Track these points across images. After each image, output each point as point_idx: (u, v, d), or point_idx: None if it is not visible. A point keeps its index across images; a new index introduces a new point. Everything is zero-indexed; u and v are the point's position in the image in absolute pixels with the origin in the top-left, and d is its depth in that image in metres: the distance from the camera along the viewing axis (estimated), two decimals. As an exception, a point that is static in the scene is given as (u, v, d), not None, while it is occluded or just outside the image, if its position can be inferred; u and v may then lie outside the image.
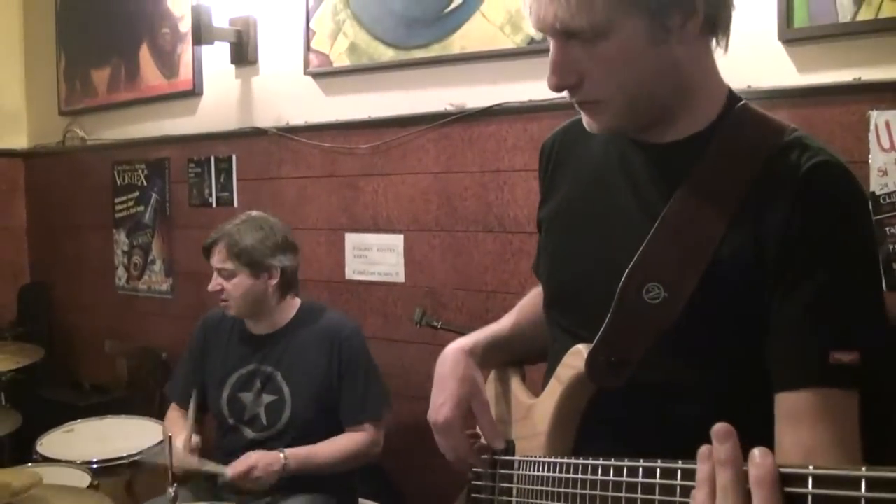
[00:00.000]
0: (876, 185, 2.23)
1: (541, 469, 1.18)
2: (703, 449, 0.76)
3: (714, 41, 1.12)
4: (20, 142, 5.00)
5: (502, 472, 1.33)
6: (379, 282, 3.33)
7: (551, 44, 1.09)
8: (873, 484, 0.63)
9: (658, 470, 0.87)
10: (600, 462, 1.01)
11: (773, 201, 1.03)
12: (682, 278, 1.07)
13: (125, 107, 4.36)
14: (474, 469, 1.37)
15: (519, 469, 1.26)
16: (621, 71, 1.06)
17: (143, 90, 4.24)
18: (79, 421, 3.31)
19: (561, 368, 1.19)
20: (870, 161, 2.24)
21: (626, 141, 1.19)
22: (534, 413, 1.27)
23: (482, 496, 1.38)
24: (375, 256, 3.33)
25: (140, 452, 2.96)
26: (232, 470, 2.45)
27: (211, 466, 2.52)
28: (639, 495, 0.90)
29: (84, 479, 2.70)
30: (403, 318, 3.18)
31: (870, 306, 1.03)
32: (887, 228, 2.22)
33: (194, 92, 3.97)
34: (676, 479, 0.83)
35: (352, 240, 3.40)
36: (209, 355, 2.80)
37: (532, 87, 2.78)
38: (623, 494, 0.93)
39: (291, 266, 2.72)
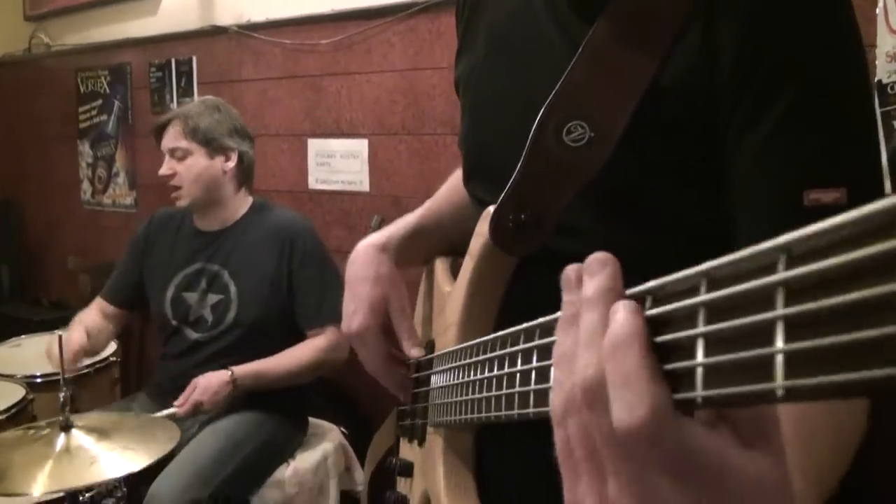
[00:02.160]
0: (883, 72, 1.95)
1: (449, 362, 0.94)
2: (569, 270, 0.51)
3: None
4: (-14, 50, 4.76)
5: (419, 375, 1.11)
6: (342, 191, 3.11)
7: None
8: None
9: (537, 330, 0.62)
10: (486, 338, 0.78)
11: (726, 5, 0.77)
12: (612, 113, 0.81)
13: (88, 9, 4.12)
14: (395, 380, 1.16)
15: (434, 369, 1.03)
16: None
17: (103, -11, 3.98)
18: (24, 336, 3.14)
19: (472, 240, 0.95)
20: (877, 45, 1.95)
21: None
22: (449, 302, 1.04)
23: (406, 408, 1.16)
24: (339, 164, 3.09)
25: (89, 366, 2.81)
26: (179, 409, 2.27)
27: (156, 415, 2.32)
28: (527, 365, 0.65)
29: (18, 393, 2.53)
30: (368, 230, 2.95)
31: (857, 129, 0.77)
32: (895, 122, 1.95)
33: (154, -11, 3.72)
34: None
35: (315, 146, 3.17)
36: (152, 254, 2.62)
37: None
38: (512, 370, 0.69)
39: (249, 154, 2.56)
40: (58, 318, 3.67)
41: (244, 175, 2.55)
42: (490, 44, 1.02)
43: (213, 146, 2.46)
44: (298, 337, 2.47)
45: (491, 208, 0.89)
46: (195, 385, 2.29)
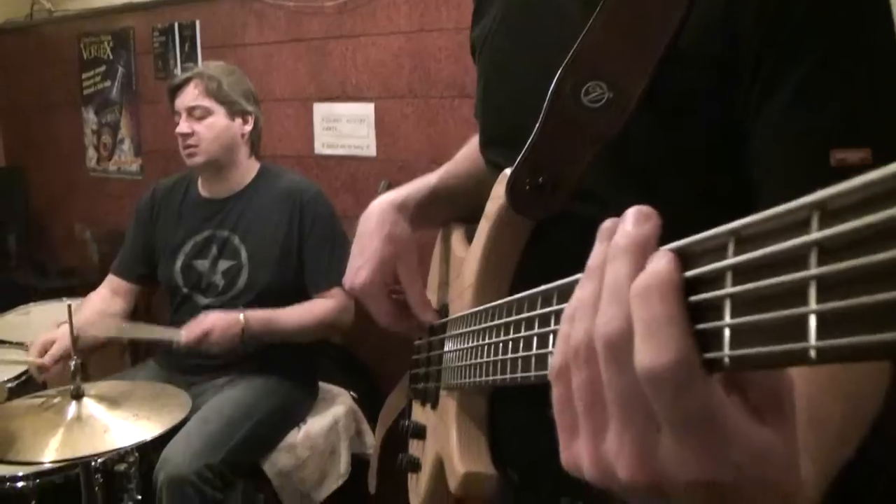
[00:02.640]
0: None
1: (464, 325, 0.93)
2: (607, 223, 0.49)
3: None
4: (-12, 17, 4.72)
5: (431, 340, 1.10)
6: (349, 156, 3.08)
7: None
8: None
9: (555, 294, 0.61)
10: (500, 302, 0.77)
11: None
12: (632, 73, 0.79)
13: (89, -29, 4.07)
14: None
15: (449, 332, 1.02)
16: None
17: (105, -46, 3.94)
18: (32, 304, 3.15)
19: (489, 203, 0.93)
20: None
21: None
22: (464, 266, 1.03)
23: (419, 371, 1.16)
24: (345, 128, 3.07)
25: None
26: (187, 333, 2.25)
27: (161, 332, 2.34)
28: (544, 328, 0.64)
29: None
30: (375, 195, 2.93)
31: (883, 86, 0.74)
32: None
33: (156, -47, 3.67)
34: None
35: (320, 110, 3.14)
36: (160, 224, 2.59)
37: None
38: (530, 332, 0.68)
39: (260, 120, 2.55)
40: (65, 286, 3.68)
41: (256, 140, 2.54)
42: (505, 7, 1.00)
43: (234, 108, 2.45)
44: (308, 301, 2.46)
45: (507, 171, 0.88)
46: (206, 315, 2.29)
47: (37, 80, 4.54)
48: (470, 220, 1.18)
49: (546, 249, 0.89)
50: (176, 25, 3.62)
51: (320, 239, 2.45)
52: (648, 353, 0.41)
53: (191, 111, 2.42)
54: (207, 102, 2.42)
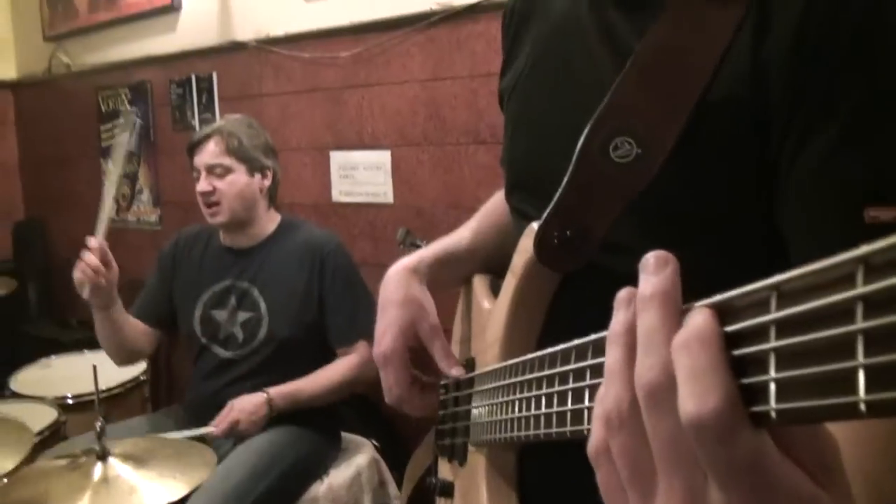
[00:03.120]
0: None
1: (493, 380, 0.93)
2: (623, 292, 0.49)
3: None
4: (8, 72, 4.82)
5: (458, 395, 1.10)
6: (367, 203, 3.10)
7: None
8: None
9: (590, 348, 0.61)
10: (530, 356, 0.77)
11: (775, 17, 0.75)
12: (660, 129, 0.79)
13: (106, 28, 4.15)
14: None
15: (476, 387, 1.01)
16: None
17: (122, 8, 4.01)
18: (54, 357, 3.17)
19: (515, 257, 0.94)
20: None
21: None
22: (490, 320, 1.03)
23: (445, 427, 1.15)
24: (362, 176, 3.09)
25: (120, 385, 2.84)
26: (216, 429, 2.27)
27: (192, 433, 2.33)
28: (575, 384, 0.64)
29: (51, 415, 2.55)
30: (394, 241, 2.95)
31: None
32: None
33: (173, 6, 3.73)
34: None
35: (337, 158, 3.17)
36: (180, 272, 2.61)
37: (522, -24, 2.49)
38: (563, 388, 0.68)
39: (278, 172, 2.57)
40: (86, 338, 3.68)
41: (274, 192, 2.56)
42: (536, 56, 1.01)
43: (253, 164, 2.46)
44: (329, 353, 2.46)
45: (535, 224, 0.88)
46: (231, 406, 2.30)
47: (55, 133, 4.60)
48: (492, 274, 1.20)
49: (573, 302, 0.89)
50: (193, 78, 3.67)
51: (342, 292, 2.45)
52: (693, 400, 0.40)
53: (211, 169, 2.43)
54: (228, 160, 2.43)
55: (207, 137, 2.46)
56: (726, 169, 0.79)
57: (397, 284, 1.14)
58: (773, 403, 0.39)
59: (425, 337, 1.11)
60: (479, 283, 1.17)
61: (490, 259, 1.19)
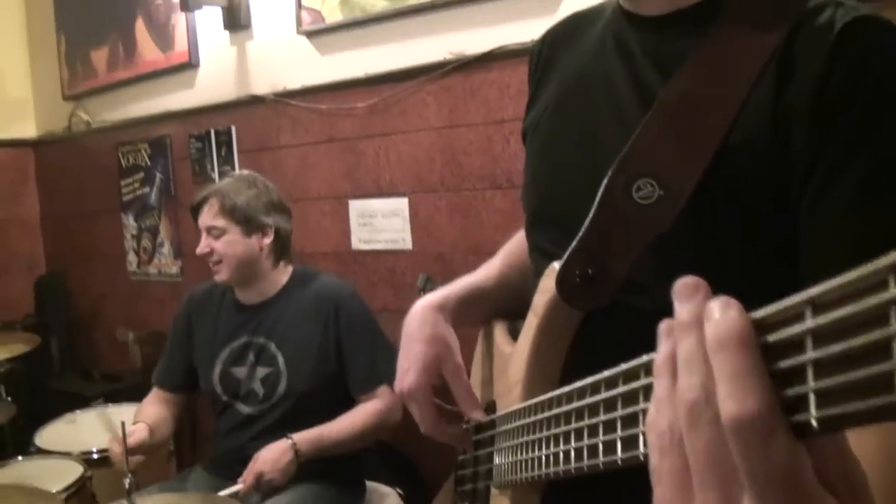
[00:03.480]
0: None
1: (516, 420, 0.93)
2: (664, 324, 0.51)
3: None
4: (28, 131, 4.91)
5: (480, 437, 1.10)
6: (386, 250, 3.13)
7: None
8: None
9: (620, 377, 0.62)
10: (555, 392, 0.78)
11: (798, 68, 0.79)
12: (682, 172, 0.82)
13: (125, 86, 4.23)
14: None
15: (499, 428, 1.03)
16: None
17: (140, 66, 4.09)
18: (78, 411, 3.18)
19: (536, 297, 0.96)
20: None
21: (623, 22, 0.97)
22: (512, 361, 1.04)
23: (466, 472, 1.16)
24: (381, 223, 3.12)
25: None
26: (243, 484, 2.26)
27: (222, 493, 2.31)
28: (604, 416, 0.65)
29: (76, 471, 2.56)
30: (414, 287, 2.97)
31: None
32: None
33: (191, 64, 3.81)
34: (640, 379, 0.58)
35: (356, 207, 3.20)
36: (196, 332, 2.62)
37: (534, 25, 2.53)
38: (589, 421, 0.68)
39: (285, 228, 2.56)
40: (110, 391, 3.72)
41: (281, 249, 2.55)
42: (561, 96, 1.04)
43: (249, 224, 2.47)
44: (350, 402, 2.46)
45: (556, 264, 0.90)
46: (256, 458, 2.29)
47: (77, 189, 4.67)
48: (511, 317, 1.21)
49: (595, 340, 0.91)
50: (212, 132, 3.72)
51: (359, 340, 2.45)
52: (734, 403, 0.41)
53: (209, 230, 2.48)
54: (222, 222, 2.45)
55: (205, 200, 2.50)
56: (745, 213, 0.81)
57: (423, 321, 1.15)
58: (813, 412, 0.40)
59: (449, 376, 1.12)
60: (499, 327, 1.19)
61: (512, 299, 1.20)
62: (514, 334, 1.13)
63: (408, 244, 3.05)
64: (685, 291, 0.48)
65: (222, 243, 2.45)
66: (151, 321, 4.11)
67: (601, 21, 1.03)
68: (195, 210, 2.53)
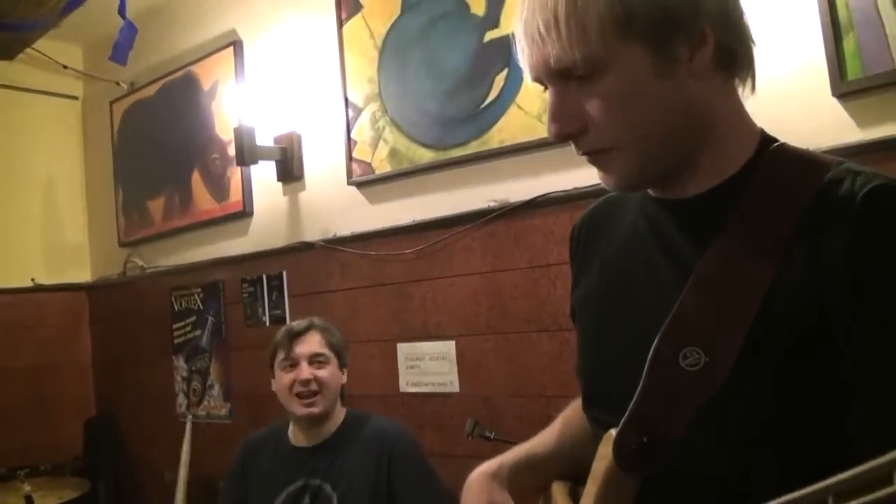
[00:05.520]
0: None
1: None
2: None
3: (737, 80, 0.98)
4: (84, 275, 5.07)
5: None
6: (433, 393, 3.17)
7: (549, 91, 0.96)
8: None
9: None
10: None
11: (828, 236, 0.85)
12: (725, 338, 0.88)
13: (180, 233, 4.40)
14: None
15: None
16: (626, 109, 0.92)
17: (196, 215, 4.27)
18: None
19: (595, 463, 0.99)
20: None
21: (654, 206, 1.04)
22: (573, 527, 1.08)
23: None
24: (428, 366, 3.18)
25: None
26: None
27: None
28: None
29: None
30: (461, 431, 2.98)
31: None
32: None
33: (245, 212, 3.97)
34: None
35: (404, 350, 3.27)
36: (252, 479, 2.64)
37: (575, 174, 2.65)
38: None
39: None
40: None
41: (344, 388, 2.65)
42: (604, 275, 1.11)
43: (342, 360, 2.60)
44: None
45: (613, 431, 0.95)
46: None
47: (129, 332, 4.77)
48: (573, 479, 1.25)
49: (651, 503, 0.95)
50: (264, 277, 3.84)
51: (412, 484, 2.47)
52: None
53: (312, 358, 2.54)
54: (328, 352, 2.56)
55: (309, 328, 2.58)
56: (790, 373, 0.86)
57: (479, 490, 1.20)
58: None
59: None
60: (559, 490, 1.22)
61: (569, 466, 1.24)
62: (574, 497, 1.17)
63: (455, 387, 3.10)
64: None
65: (327, 372, 2.53)
66: (201, 464, 4.13)
67: (632, 203, 1.11)
68: (294, 337, 2.57)
